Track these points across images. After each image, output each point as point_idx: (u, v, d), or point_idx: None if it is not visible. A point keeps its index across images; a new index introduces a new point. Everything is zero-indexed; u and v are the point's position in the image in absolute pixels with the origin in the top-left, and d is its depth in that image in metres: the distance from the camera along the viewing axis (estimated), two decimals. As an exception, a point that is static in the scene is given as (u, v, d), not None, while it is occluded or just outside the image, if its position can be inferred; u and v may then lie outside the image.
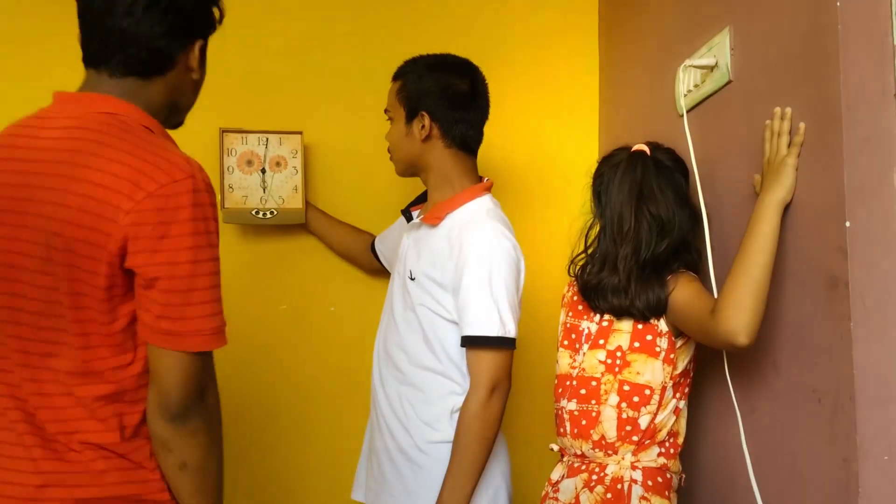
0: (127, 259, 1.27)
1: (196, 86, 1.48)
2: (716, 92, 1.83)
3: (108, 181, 1.26)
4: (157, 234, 1.26)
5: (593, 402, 1.79)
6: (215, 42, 1.61)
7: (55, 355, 1.32)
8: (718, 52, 1.79)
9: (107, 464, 1.33)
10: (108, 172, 1.27)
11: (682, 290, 1.72)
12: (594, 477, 1.77)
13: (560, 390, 1.87)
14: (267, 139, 2.35)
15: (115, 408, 1.33)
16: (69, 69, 1.50)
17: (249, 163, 2.34)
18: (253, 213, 2.33)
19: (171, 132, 1.46)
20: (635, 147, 1.86)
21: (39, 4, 2.32)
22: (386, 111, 2.04)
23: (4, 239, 1.32)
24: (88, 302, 1.29)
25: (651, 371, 1.75)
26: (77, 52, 1.41)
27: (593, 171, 1.91)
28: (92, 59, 1.38)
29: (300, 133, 2.37)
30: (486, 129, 2.03)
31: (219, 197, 2.27)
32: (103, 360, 1.32)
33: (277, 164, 2.35)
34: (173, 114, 1.47)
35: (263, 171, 2.34)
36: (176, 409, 1.29)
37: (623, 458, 1.76)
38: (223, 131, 2.30)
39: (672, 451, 1.79)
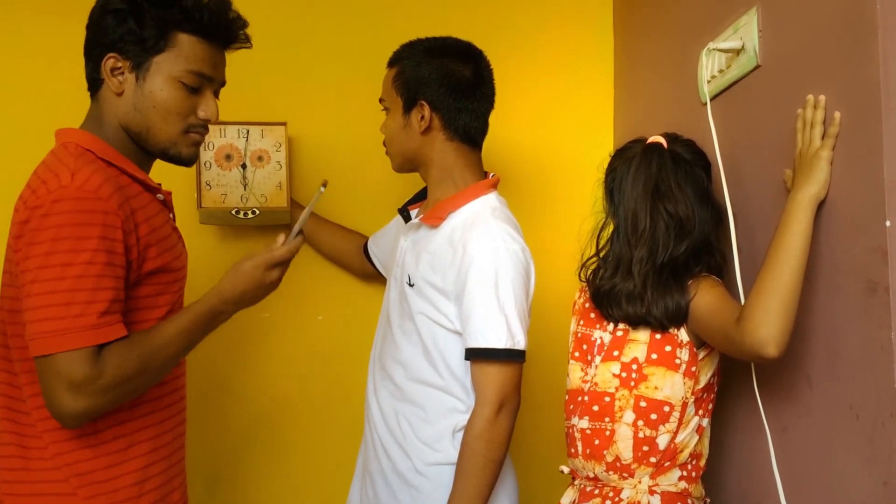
0: None
1: (136, 107, 1.62)
2: (742, 78, 1.83)
3: (19, 205, 1.52)
4: (23, 243, 1.47)
5: (607, 419, 1.79)
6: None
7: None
8: (745, 33, 1.80)
9: None
10: (22, 198, 1.52)
11: (705, 296, 1.73)
12: (608, 502, 1.77)
13: (571, 407, 1.87)
14: (247, 131, 2.35)
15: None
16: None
17: (228, 157, 2.33)
18: (233, 212, 2.32)
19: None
20: (651, 139, 1.86)
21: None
22: (381, 100, 2.04)
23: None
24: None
25: (670, 385, 1.75)
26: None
27: (605, 165, 1.92)
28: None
29: (284, 124, 2.37)
30: (491, 119, 2.03)
31: (195, 195, 2.27)
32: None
33: (259, 158, 2.35)
34: (141, 139, 1.65)
35: (244, 166, 2.34)
36: (61, 417, 1.48)
37: (640, 482, 1.76)
38: (200, 122, 2.29)
39: (694, 473, 1.79)
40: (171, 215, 1.75)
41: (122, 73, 1.61)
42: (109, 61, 1.60)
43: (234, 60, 2.40)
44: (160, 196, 1.68)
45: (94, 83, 1.64)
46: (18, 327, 1.53)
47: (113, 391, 1.49)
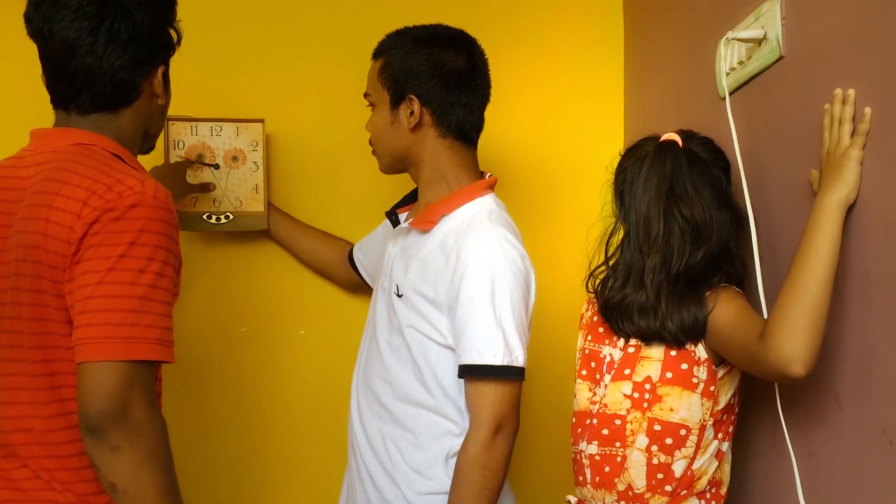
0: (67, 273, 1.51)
1: (163, 110, 1.78)
2: (764, 70, 1.84)
3: (65, 204, 1.51)
4: (92, 243, 1.49)
5: (618, 444, 1.79)
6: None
7: (14, 388, 1.57)
8: (767, 22, 1.80)
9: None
10: (65, 196, 1.52)
11: (724, 309, 1.73)
12: (619, 535, 1.78)
13: (578, 430, 1.87)
14: (221, 128, 2.35)
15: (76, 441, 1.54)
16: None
17: (200, 157, 2.33)
18: (205, 217, 2.32)
19: None
20: (665, 136, 1.87)
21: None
22: (366, 95, 2.04)
23: None
24: (53, 328, 1.54)
25: (687, 407, 1.75)
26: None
27: (615, 165, 1.92)
28: (60, 101, 1.67)
29: (261, 121, 2.38)
30: (491, 116, 2.04)
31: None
32: (70, 387, 1.53)
33: (234, 158, 2.35)
34: (145, 140, 1.78)
35: (217, 167, 2.34)
36: (92, 422, 1.47)
37: (654, 513, 1.76)
38: (169, 119, 2.29)
39: (714, 503, 1.79)
40: None
41: (163, 80, 1.74)
42: (160, 71, 1.72)
43: (208, 51, 2.42)
44: None
45: (125, 96, 1.67)
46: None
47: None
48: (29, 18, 1.64)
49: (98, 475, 1.50)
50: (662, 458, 1.75)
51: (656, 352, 1.79)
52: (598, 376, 1.86)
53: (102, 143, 1.64)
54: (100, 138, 1.64)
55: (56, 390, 1.55)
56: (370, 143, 2.05)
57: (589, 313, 1.95)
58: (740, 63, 1.90)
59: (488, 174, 2.03)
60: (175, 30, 1.75)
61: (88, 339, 1.47)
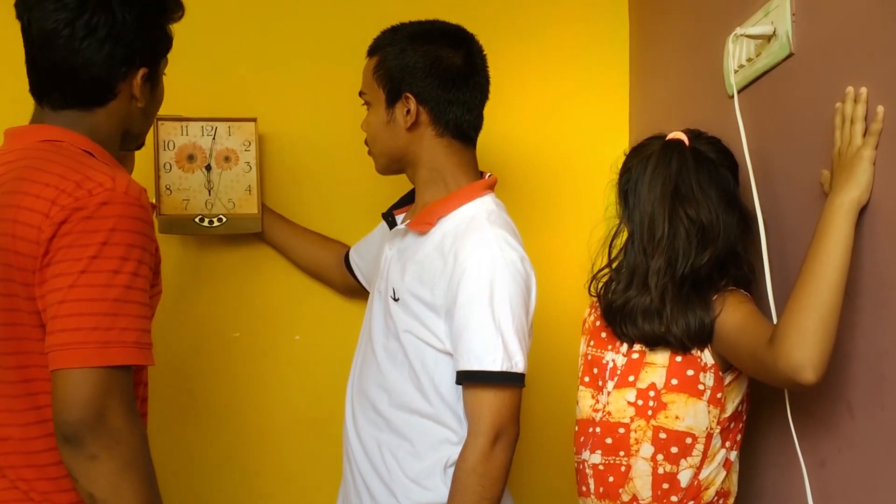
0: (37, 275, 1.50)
1: (145, 113, 1.75)
2: (774, 67, 1.83)
3: (33, 204, 1.50)
4: (63, 244, 1.48)
5: (622, 453, 1.79)
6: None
7: None
8: (777, 17, 1.79)
9: None
10: (34, 195, 1.51)
11: (732, 313, 1.72)
12: (623, 547, 1.77)
13: (581, 439, 1.87)
14: (213, 128, 2.35)
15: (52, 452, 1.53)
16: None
17: (191, 158, 2.33)
18: (196, 220, 2.32)
19: None
20: (671, 135, 1.87)
21: None
22: (361, 94, 2.04)
23: None
24: (26, 332, 1.52)
25: (693, 414, 1.74)
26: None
27: (619, 165, 1.92)
28: (37, 93, 1.68)
29: (254, 120, 2.38)
30: (491, 115, 2.04)
31: (153, 201, 2.26)
32: (47, 394, 1.52)
33: (226, 159, 2.35)
34: (127, 140, 1.76)
35: (209, 168, 2.34)
36: (68, 431, 1.45)
37: (659, 524, 1.75)
38: (158, 119, 2.29)
39: (721, 514, 1.78)
40: None
41: (146, 82, 1.71)
42: (140, 73, 1.69)
43: (199, 48, 2.41)
44: None
45: (98, 94, 1.66)
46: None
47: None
48: (16, 6, 1.64)
49: (76, 486, 1.49)
50: (668, 467, 1.75)
51: (661, 357, 1.78)
52: (600, 383, 1.86)
53: (72, 140, 1.62)
54: (70, 134, 1.63)
55: (32, 397, 1.53)
56: (366, 143, 2.05)
57: (591, 318, 1.95)
58: (749, 60, 1.90)
59: (488, 174, 2.03)
60: (167, 32, 1.74)
61: (62, 345, 1.46)
